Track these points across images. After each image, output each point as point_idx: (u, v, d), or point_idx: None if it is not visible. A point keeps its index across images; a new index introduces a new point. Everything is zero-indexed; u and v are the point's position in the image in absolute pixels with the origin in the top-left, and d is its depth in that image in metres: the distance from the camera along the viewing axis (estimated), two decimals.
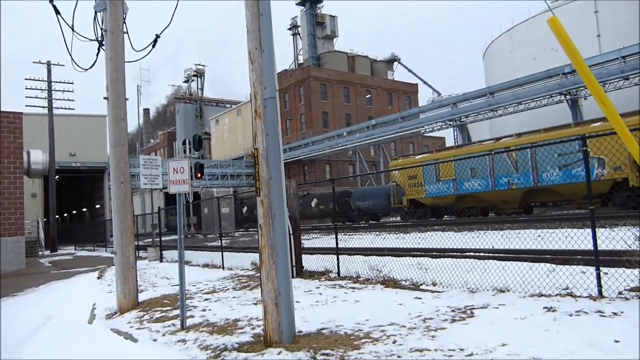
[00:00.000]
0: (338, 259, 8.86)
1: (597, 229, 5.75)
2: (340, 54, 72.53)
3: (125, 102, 7.91)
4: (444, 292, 6.78)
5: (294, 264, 9.22)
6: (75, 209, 59.86)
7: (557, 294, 5.64)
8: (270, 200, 4.95)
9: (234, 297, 7.94)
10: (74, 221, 60.41)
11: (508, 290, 6.17)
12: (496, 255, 8.51)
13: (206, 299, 7.97)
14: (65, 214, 63.80)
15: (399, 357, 4.10)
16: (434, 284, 7.33)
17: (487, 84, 48.73)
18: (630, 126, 4.13)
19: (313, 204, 44.80)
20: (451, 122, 45.08)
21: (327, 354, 4.38)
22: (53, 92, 33.12)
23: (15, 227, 18.33)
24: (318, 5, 75.24)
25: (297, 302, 6.97)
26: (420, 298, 6.50)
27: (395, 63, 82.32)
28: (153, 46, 8.53)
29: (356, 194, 39.36)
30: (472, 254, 9.72)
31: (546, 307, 5.05)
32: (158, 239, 17.91)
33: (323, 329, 5.40)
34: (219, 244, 22.73)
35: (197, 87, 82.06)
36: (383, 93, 69.85)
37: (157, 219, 18.58)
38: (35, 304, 10.46)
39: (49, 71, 33.22)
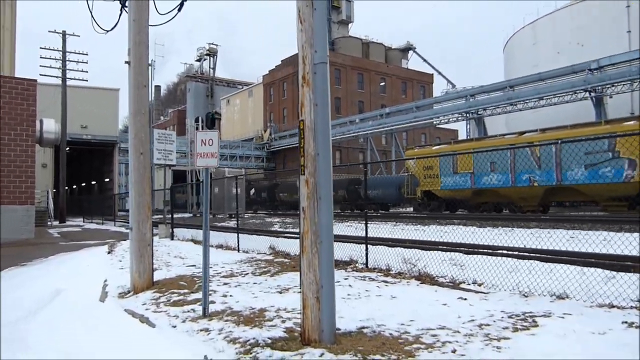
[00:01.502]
0: (367, 248, 8.27)
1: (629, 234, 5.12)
2: (354, 40, 71.32)
3: (147, 67, 7.30)
4: (490, 293, 6.18)
5: None
6: (85, 181, 59.72)
7: (631, 306, 5.01)
8: (316, 180, 4.36)
9: (254, 283, 7.39)
10: (82, 193, 60.28)
11: (567, 297, 5.56)
12: (538, 255, 7.89)
13: (225, 284, 7.42)
14: (75, 186, 63.70)
15: None
16: (476, 284, 6.74)
17: (506, 78, 47.70)
18: None
19: None
20: (468, 114, 44.12)
21: None
22: (67, 62, 32.54)
23: (26, 195, 17.89)
24: None
25: None
26: (465, 299, 5.91)
27: (410, 52, 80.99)
28: (179, 10, 7.89)
29: (372, 181, 38.66)
30: (506, 252, 9.13)
31: (626, 322, 4.44)
32: (169, 216, 17.40)
33: (363, 327, 4.84)
34: (231, 225, 22.33)
35: (209, 67, 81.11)
36: (397, 81, 68.79)
37: (170, 195, 18.06)
38: (44, 276, 9.98)
39: (64, 41, 32.61)
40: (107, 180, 48.66)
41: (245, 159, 60.79)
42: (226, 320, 5.28)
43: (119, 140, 44.15)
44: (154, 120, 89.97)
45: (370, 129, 51.36)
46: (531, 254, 8.07)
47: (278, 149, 62.28)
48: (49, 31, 32.63)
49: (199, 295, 6.59)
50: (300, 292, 6.19)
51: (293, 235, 13.38)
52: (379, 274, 7.73)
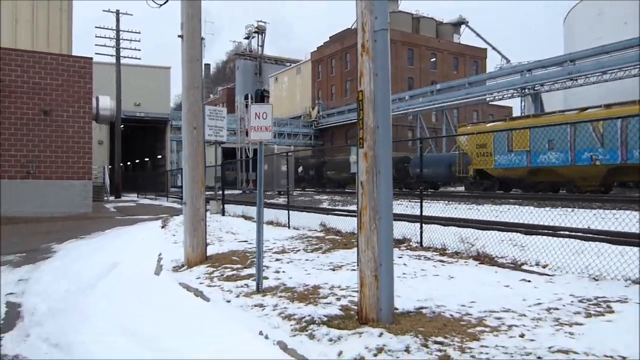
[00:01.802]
0: (422, 227, 8.01)
1: None
2: (404, 15, 69.43)
3: (200, 41, 7.22)
4: (556, 276, 5.85)
5: None
6: (138, 158, 61.63)
7: None
8: (375, 154, 4.15)
9: (307, 260, 7.31)
10: (136, 170, 62.30)
11: None
12: (607, 237, 7.41)
13: (277, 259, 7.38)
14: (129, 163, 65.87)
15: (539, 358, 3.27)
16: (540, 265, 6.40)
17: (566, 52, 45.29)
18: None
19: None
20: (524, 90, 42.29)
21: (440, 343, 3.61)
22: (121, 41, 33.32)
23: (84, 171, 18.54)
24: None
25: None
26: (529, 281, 5.61)
27: (463, 26, 78.17)
28: None
29: (415, 160, 37.91)
30: (569, 233, 8.66)
31: None
32: (220, 193, 17.63)
33: (422, 307, 4.65)
34: (280, 201, 22.49)
35: (258, 44, 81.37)
36: (449, 57, 66.75)
37: (221, 172, 18.27)
38: (101, 249, 10.31)
39: (118, 19, 33.39)
40: (159, 157, 50.00)
41: (293, 136, 60.95)
42: (280, 297, 5.21)
43: (170, 117, 45.15)
44: (204, 98, 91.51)
45: (421, 106, 50.23)
46: (598, 236, 7.59)
47: (326, 126, 62.06)
48: (104, 10, 33.48)
49: (252, 270, 6.56)
50: (355, 269, 6.07)
51: (343, 213, 13.27)
52: (434, 253, 7.49)
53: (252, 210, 15.42)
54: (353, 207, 16.01)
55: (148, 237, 11.49)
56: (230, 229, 11.23)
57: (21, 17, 26.44)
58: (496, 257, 6.95)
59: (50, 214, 17.49)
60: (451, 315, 4.39)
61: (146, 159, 58.05)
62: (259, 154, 5.61)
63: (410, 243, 8.20)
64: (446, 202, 18.06)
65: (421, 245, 7.94)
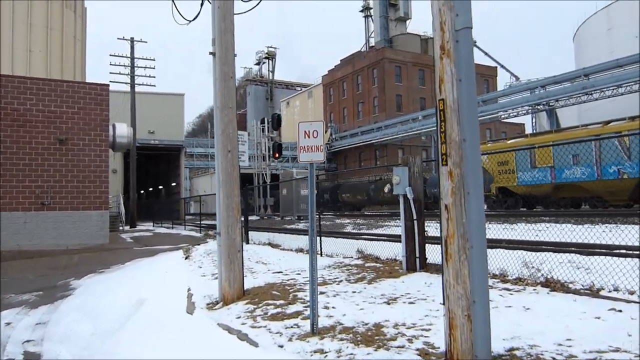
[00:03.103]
0: None
1: None
2: (413, 37, 69.62)
3: (233, 57, 6.73)
4: None
5: (417, 254, 7.83)
6: (152, 186, 61.46)
7: None
8: (462, 172, 3.55)
9: (354, 292, 6.65)
10: (150, 198, 62.06)
11: None
12: None
13: (321, 292, 6.70)
14: (142, 191, 65.72)
15: None
16: (620, 291, 5.69)
17: (578, 67, 44.84)
18: None
19: (386, 189, 43.21)
20: (539, 107, 41.74)
21: None
22: (136, 68, 33.29)
23: (100, 201, 18.06)
24: None
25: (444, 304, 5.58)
26: (619, 310, 4.91)
27: None
28: None
29: (432, 180, 37.17)
30: (625, 251, 7.95)
31: None
32: (243, 219, 17.02)
33: (513, 349, 3.98)
34: (301, 226, 21.84)
35: (268, 70, 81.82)
36: None
37: (244, 198, 17.70)
38: (124, 284, 9.69)
39: (132, 47, 33.39)
40: (173, 184, 49.69)
41: None
42: (341, 339, 4.56)
43: (184, 144, 44.95)
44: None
45: (434, 126, 49.70)
46: None
47: (339, 149, 61.64)
48: (118, 38, 33.56)
49: (298, 307, 5.93)
50: (413, 302, 5.38)
51: (377, 238, 12.59)
52: (494, 279, 6.79)
53: (278, 238, 14.79)
54: (389, 231, 15.35)
55: (172, 269, 10.88)
56: (259, 259, 10.59)
57: (35, 47, 26.51)
58: (566, 282, 6.25)
59: (65, 247, 16.97)
60: (553, 358, 3.72)
61: (160, 187, 57.79)
62: (310, 176, 5.02)
63: None
64: None
65: None
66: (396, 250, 9.41)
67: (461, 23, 3.59)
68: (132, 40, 33.33)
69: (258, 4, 7.20)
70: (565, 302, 5.43)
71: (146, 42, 34.14)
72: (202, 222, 24.75)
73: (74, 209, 17.65)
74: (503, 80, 77.02)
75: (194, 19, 7.24)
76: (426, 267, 7.88)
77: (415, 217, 7.74)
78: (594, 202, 24.30)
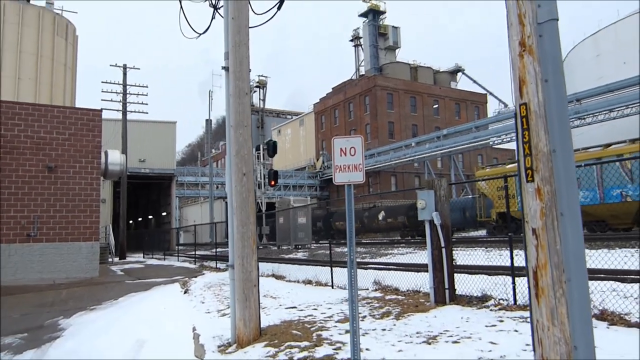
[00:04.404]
0: (514, 280, 6.65)
1: None
2: (402, 65, 70.28)
3: (249, 72, 6.15)
4: None
5: (446, 285, 7.16)
6: (142, 216, 60.24)
7: None
8: (553, 188, 2.94)
9: (383, 330, 5.96)
10: (139, 228, 60.77)
11: None
12: None
13: (347, 331, 6.01)
14: (131, 221, 64.48)
15: None
16: None
17: (568, 92, 45.27)
18: None
19: (380, 216, 42.62)
20: None
21: None
22: (128, 95, 32.72)
23: (90, 231, 17.17)
24: (381, 16, 73.71)
25: (495, 343, 4.92)
26: None
27: (460, 74, 79.11)
28: (279, 8, 6.79)
29: (452, 204, 36.74)
30: None
31: None
32: None
33: None
34: (299, 256, 21.06)
35: (259, 98, 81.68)
36: (451, 103, 66.84)
37: None
38: (118, 323, 8.84)
39: (125, 74, 32.90)
40: (164, 214, 48.63)
41: (299, 188, 60.03)
42: None
43: (176, 173, 44.14)
44: (204, 154, 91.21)
45: (428, 152, 49.66)
46: None
47: (331, 177, 61.10)
48: (111, 65, 33.06)
49: (327, 350, 5.22)
50: (458, 341, 4.65)
51: (392, 268, 11.90)
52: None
53: (281, 268, 14.02)
54: (394, 260, 14.64)
55: (171, 305, 10.07)
56: (267, 292, 9.83)
57: (24, 75, 25.90)
58: (621, 314, 5.63)
59: (52, 281, 15.98)
60: None
61: (149, 217, 56.60)
62: (347, 197, 4.38)
63: (499, 301, 6.84)
64: (484, 248, 16.72)
65: (515, 303, 6.57)
66: (416, 281, 8.75)
67: (545, 15, 3.04)
68: (124, 67, 32.85)
69: (273, 16, 6.68)
70: (634, 339, 4.79)
71: (139, 68, 33.77)
72: (196, 253, 23.86)
73: (62, 240, 16.75)
74: (492, 107, 77.71)
75: (205, 31, 6.69)
76: (456, 299, 7.20)
77: (443, 245, 7.10)
78: (592, 226, 23.93)
